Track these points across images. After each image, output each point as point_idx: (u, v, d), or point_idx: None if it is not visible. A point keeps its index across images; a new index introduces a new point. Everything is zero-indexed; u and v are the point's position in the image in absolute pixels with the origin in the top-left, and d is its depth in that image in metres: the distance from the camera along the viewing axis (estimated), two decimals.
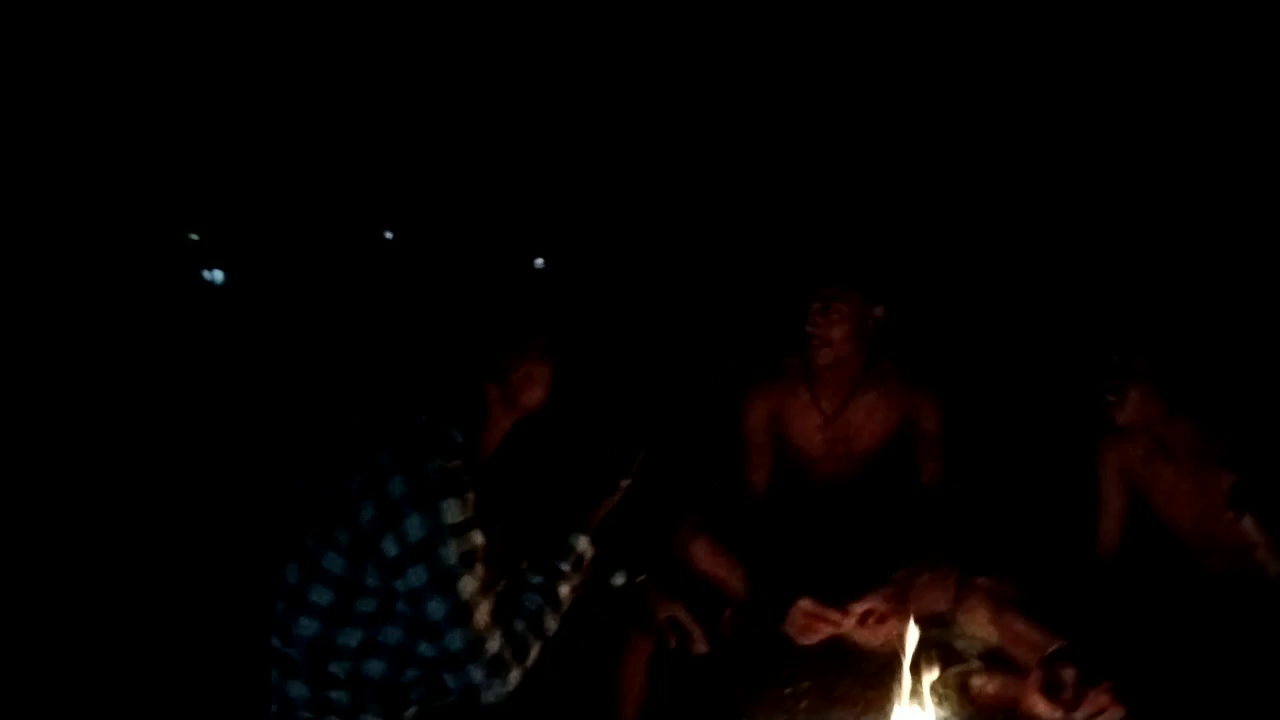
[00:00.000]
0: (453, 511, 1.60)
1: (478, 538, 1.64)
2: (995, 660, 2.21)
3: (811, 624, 2.25)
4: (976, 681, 2.17)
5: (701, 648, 2.13)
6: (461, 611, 1.59)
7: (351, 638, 1.66)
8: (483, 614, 1.61)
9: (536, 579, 1.78)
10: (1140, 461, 2.20)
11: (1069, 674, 1.89)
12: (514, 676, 1.63)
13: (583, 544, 1.85)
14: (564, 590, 1.79)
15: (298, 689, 1.69)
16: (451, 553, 1.59)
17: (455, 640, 1.59)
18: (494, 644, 1.61)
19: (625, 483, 1.92)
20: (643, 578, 2.11)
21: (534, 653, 1.69)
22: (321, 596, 1.66)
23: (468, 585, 1.60)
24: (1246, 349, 2.15)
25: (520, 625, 1.69)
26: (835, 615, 2.25)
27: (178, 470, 4.48)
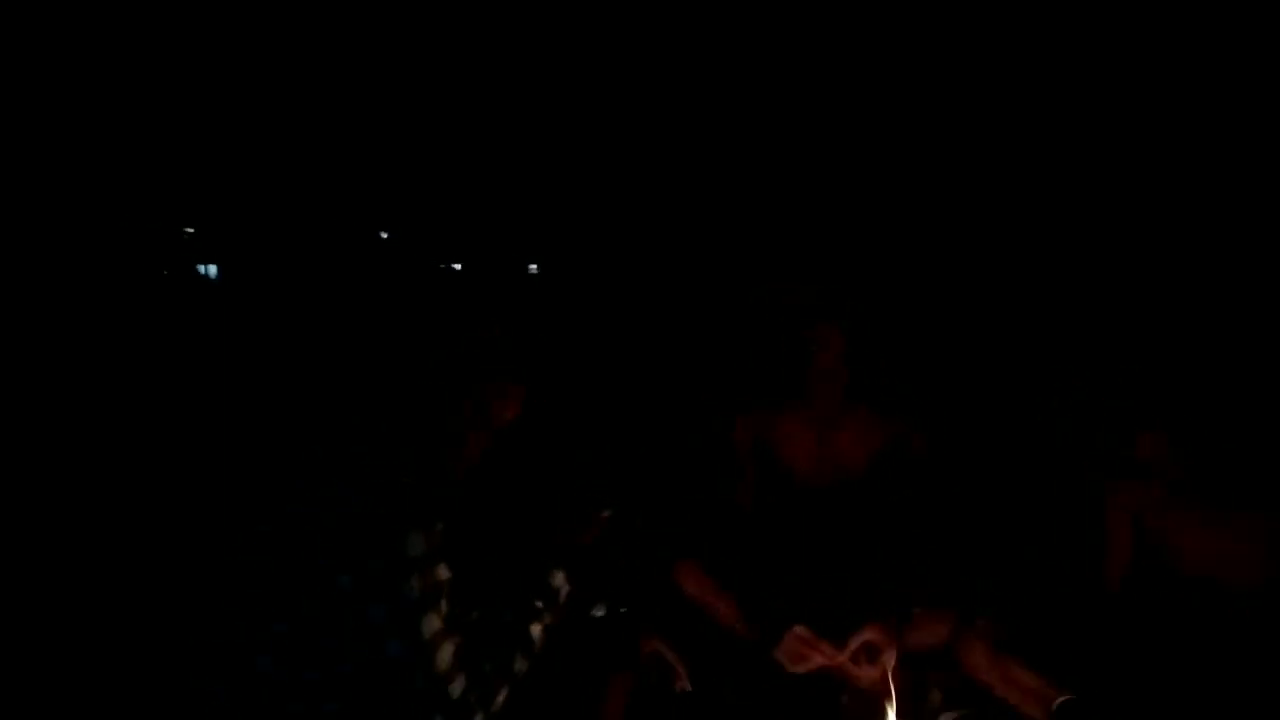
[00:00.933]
0: (416, 544, 1.48)
1: (443, 572, 1.52)
2: (992, 706, 2.11)
3: (805, 652, 2.16)
4: None
5: (685, 685, 2.01)
6: (423, 653, 1.48)
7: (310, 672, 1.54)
8: (445, 655, 1.50)
9: (507, 616, 1.66)
10: (1156, 506, 2.08)
11: None
12: None
13: (559, 580, 1.73)
14: (536, 630, 1.67)
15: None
16: (413, 589, 1.48)
17: (416, 683, 1.48)
18: (457, 687, 1.50)
19: (606, 515, 1.81)
20: (624, 610, 2.00)
21: (500, 697, 1.57)
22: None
23: (430, 624, 1.48)
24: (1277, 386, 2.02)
25: (487, 667, 1.58)
26: (829, 648, 2.16)
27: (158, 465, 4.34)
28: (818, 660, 2.16)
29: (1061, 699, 1.86)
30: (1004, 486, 2.77)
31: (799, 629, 2.16)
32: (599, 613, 1.97)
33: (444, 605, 1.50)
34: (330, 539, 1.49)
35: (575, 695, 2.04)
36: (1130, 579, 2.16)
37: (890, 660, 2.15)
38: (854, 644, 2.16)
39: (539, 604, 1.68)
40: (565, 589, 1.73)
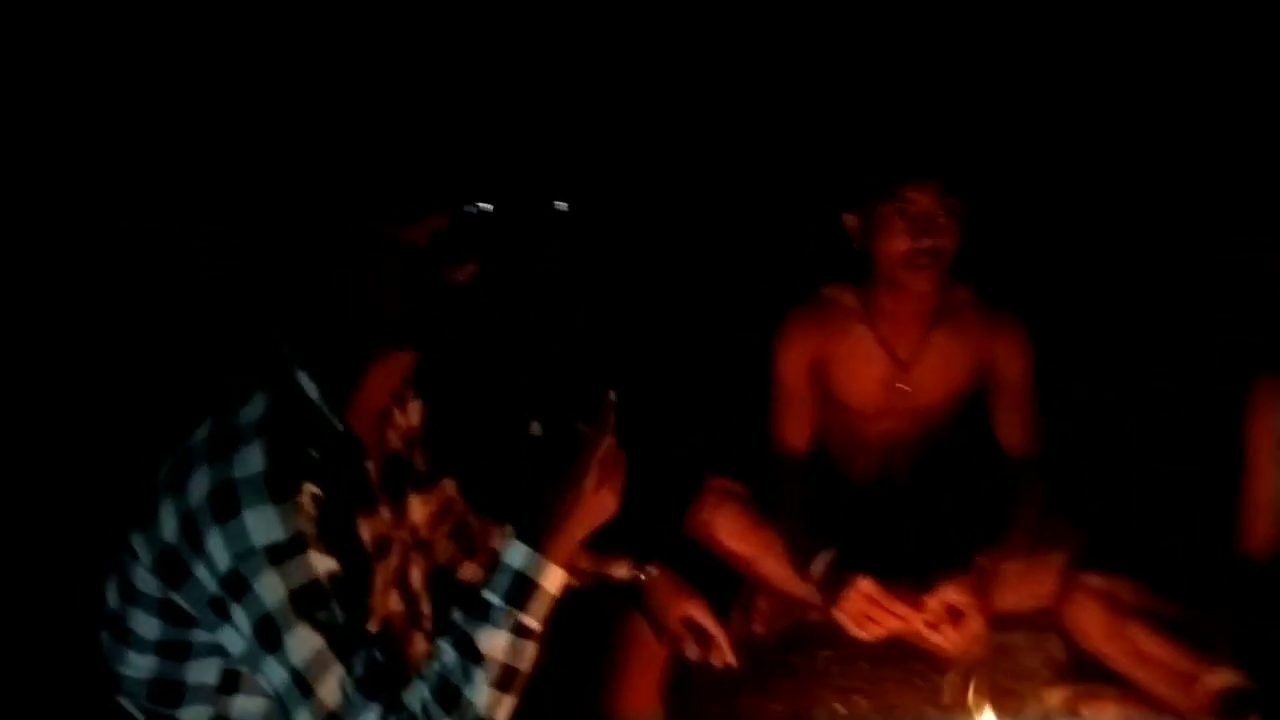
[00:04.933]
0: (270, 525, 1.05)
1: (319, 564, 1.08)
2: (1109, 681, 1.79)
3: (873, 612, 1.85)
4: (1088, 710, 1.76)
5: (727, 658, 1.66)
6: (300, 680, 1.05)
7: (206, 673, 1.17)
8: (331, 685, 1.05)
9: (456, 619, 1.14)
10: None
11: None
12: None
13: (522, 559, 1.13)
14: (491, 642, 1.09)
15: None
16: (272, 590, 1.05)
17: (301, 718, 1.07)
18: None
19: (587, 429, 1.23)
20: (651, 567, 1.63)
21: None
22: (146, 628, 1.17)
23: (304, 641, 1.05)
24: None
25: (418, 698, 1.08)
26: (902, 607, 1.85)
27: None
28: (889, 623, 1.86)
29: (1225, 684, 1.46)
30: (1119, 408, 2.36)
31: (864, 583, 1.85)
32: (620, 574, 1.60)
33: (330, 611, 1.07)
34: (176, 518, 1.10)
35: (597, 676, 1.69)
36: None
37: (977, 625, 1.84)
38: (933, 604, 1.84)
39: (495, 601, 1.13)
40: (551, 584, 1.17)
